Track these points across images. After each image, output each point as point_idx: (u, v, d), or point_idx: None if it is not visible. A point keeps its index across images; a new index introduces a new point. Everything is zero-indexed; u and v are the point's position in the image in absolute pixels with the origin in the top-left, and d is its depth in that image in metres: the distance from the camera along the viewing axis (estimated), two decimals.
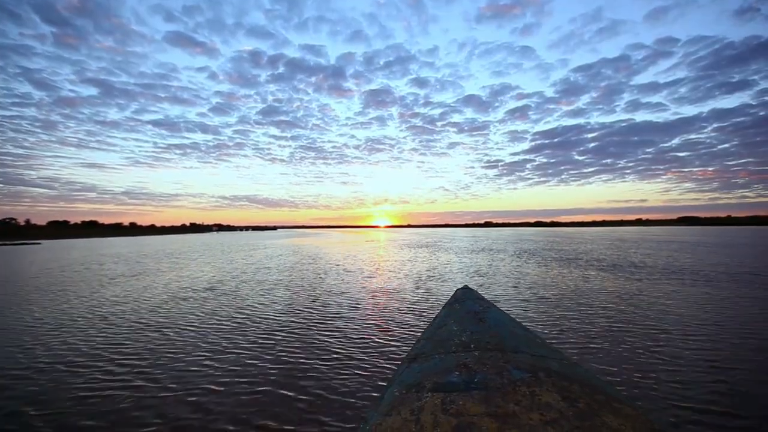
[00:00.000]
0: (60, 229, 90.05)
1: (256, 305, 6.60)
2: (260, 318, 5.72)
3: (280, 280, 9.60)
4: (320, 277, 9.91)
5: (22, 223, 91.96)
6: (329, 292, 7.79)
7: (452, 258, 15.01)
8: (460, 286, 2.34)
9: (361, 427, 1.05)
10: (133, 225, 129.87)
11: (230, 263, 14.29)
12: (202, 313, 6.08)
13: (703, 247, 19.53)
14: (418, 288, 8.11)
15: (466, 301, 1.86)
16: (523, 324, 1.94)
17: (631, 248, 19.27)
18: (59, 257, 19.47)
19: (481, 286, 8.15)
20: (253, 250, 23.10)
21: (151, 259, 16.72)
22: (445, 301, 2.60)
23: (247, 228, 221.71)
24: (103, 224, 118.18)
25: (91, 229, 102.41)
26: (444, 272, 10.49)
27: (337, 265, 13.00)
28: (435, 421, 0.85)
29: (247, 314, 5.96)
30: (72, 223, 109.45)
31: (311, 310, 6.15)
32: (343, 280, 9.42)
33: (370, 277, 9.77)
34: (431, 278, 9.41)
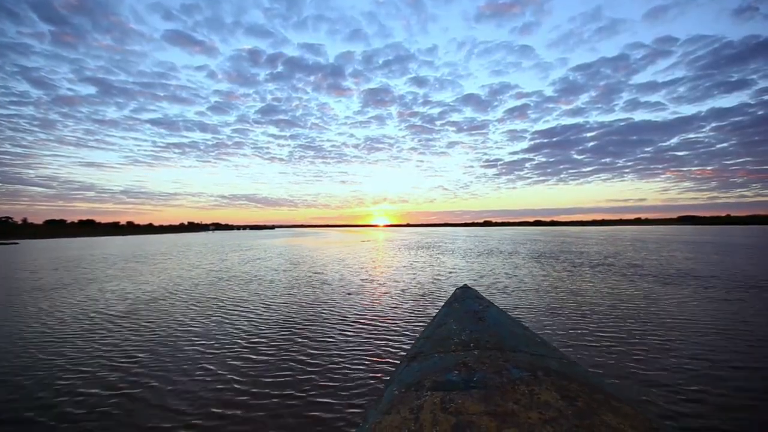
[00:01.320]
0: (56, 228, 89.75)
1: (173, 345, 4.20)
2: (159, 375, 3.30)
3: (234, 297, 7.20)
4: (290, 294, 7.51)
5: (20, 222, 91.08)
6: (289, 322, 5.38)
7: (459, 262, 12.61)
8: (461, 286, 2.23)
9: (360, 426, 1.00)
10: (130, 224, 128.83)
11: (193, 270, 11.88)
12: (64, 366, 3.66)
13: (744, 248, 17.11)
14: (421, 312, 5.70)
15: (465, 300, 1.81)
16: (524, 324, 1.70)
17: (660, 250, 16.86)
18: (8, 261, 17.07)
19: (515, 308, 5.74)
20: (235, 252, 20.71)
21: (107, 264, 14.32)
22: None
23: (245, 227, 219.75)
24: (99, 223, 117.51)
25: (88, 228, 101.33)
26: (454, 284, 8.09)
27: (318, 273, 10.60)
28: (434, 420, 0.84)
29: (144, 372, 3.54)
30: (69, 222, 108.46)
31: (249, 353, 3.74)
32: (316, 297, 7.02)
33: (355, 294, 7.37)
34: (438, 295, 7.01)
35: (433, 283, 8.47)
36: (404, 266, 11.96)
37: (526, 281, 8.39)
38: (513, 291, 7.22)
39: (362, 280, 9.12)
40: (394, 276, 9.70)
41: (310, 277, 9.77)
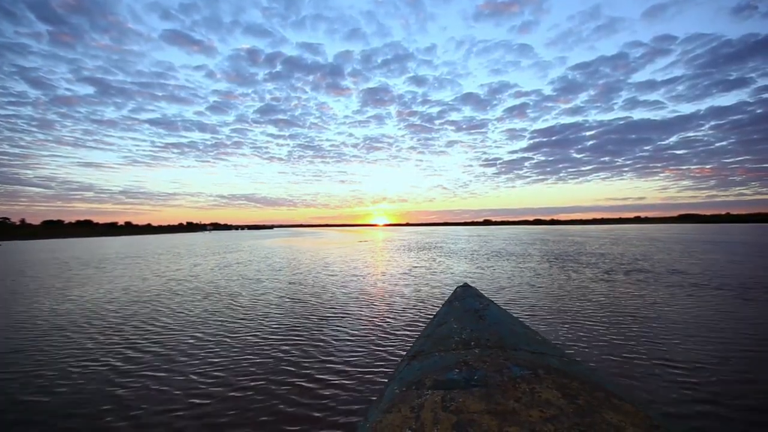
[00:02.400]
0: (54, 229, 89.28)
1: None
2: None
3: (167, 323, 5.33)
4: (247, 318, 5.65)
5: (18, 223, 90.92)
6: (229, 364, 3.50)
7: (467, 268, 10.75)
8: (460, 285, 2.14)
9: (361, 425, 0.99)
10: (128, 224, 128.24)
11: (150, 279, 10.02)
12: None
13: None
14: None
15: (465, 299, 1.78)
16: (524, 322, 1.67)
17: (690, 252, 15.00)
18: None
19: (562, 339, 3.87)
20: (216, 254, 18.84)
21: (61, 270, 12.44)
22: None
23: (243, 227, 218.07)
24: (97, 224, 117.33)
25: (85, 228, 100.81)
26: None
27: (296, 284, 8.75)
28: (435, 418, 0.83)
29: None
30: (66, 222, 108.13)
31: None
32: (277, 325, 5.15)
33: (328, 319, 5.51)
34: None
35: (441, 300, 6.61)
36: (403, 273, 10.09)
37: (560, 295, 6.51)
38: (550, 310, 5.34)
39: (348, 295, 7.25)
40: (390, 288, 7.83)
41: (285, 289, 7.90)
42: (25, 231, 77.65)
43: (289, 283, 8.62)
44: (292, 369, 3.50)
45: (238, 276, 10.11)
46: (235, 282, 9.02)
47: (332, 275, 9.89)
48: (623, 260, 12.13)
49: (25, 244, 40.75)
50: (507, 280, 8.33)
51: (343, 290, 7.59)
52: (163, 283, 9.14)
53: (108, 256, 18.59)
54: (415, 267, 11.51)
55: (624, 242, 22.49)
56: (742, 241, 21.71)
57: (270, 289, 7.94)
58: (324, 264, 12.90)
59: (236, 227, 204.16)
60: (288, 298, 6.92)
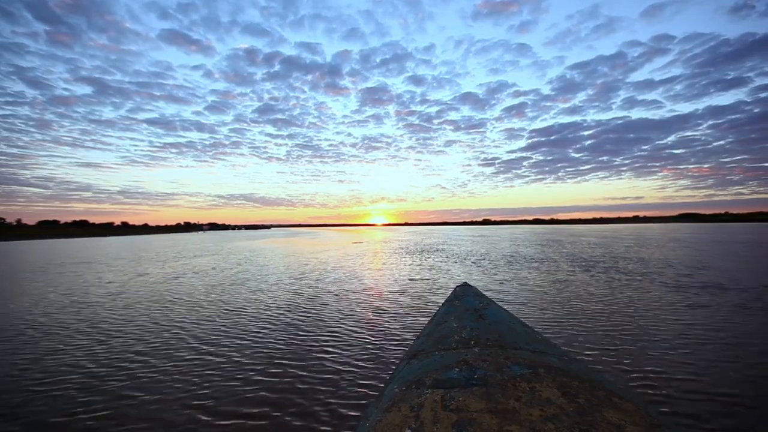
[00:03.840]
0: (49, 229, 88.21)
1: None
2: None
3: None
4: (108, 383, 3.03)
5: (14, 223, 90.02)
6: None
7: (484, 282, 8.15)
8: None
9: (361, 424, 0.96)
10: (124, 224, 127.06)
11: (44, 301, 7.41)
12: None
13: None
14: None
15: (465, 298, 1.72)
16: (524, 321, 1.59)
17: (753, 257, 12.43)
18: None
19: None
20: (183, 259, 16.22)
21: None
22: None
23: (240, 227, 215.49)
24: (92, 224, 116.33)
25: (81, 228, 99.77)
26: None
27: (240, 311, 6.16)
28: (435, 417, 0.82)
29: None
30: (62, 222, 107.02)
31: None
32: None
33: (265, 382, 2.88)
34: None
35: None
36: (397, 290, 7.48)
37: (651, 335, 3.89)
38: (657, 369, 2.75)
39: (315, 330, 4.65)
40: (375, 320, 5.23)
41: (219, 322, 5.29)
42: (20, 231, 76.05)
43: (233, 310, 5.98)
44: None
45: (174, 296, 7.49)
46: (160, 305, 6.40)
47: (299, 294, 7.29)
48: (679, 269, 9.52)
49: (9, 245, 38.02)
50: (549, 304, 5.69)
51: (308, 324, 4.99)
52: (61, 306, 6.53)
53: (56, 261, 15.93)
54: (414, 279, 8.90)
55: (651, 244, 19.91)
56: None
57: (198, 320, 5.34)
58: (300, 273, 10.30)
59: (233, 227, 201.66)
60: (212, 340, 4.31)
